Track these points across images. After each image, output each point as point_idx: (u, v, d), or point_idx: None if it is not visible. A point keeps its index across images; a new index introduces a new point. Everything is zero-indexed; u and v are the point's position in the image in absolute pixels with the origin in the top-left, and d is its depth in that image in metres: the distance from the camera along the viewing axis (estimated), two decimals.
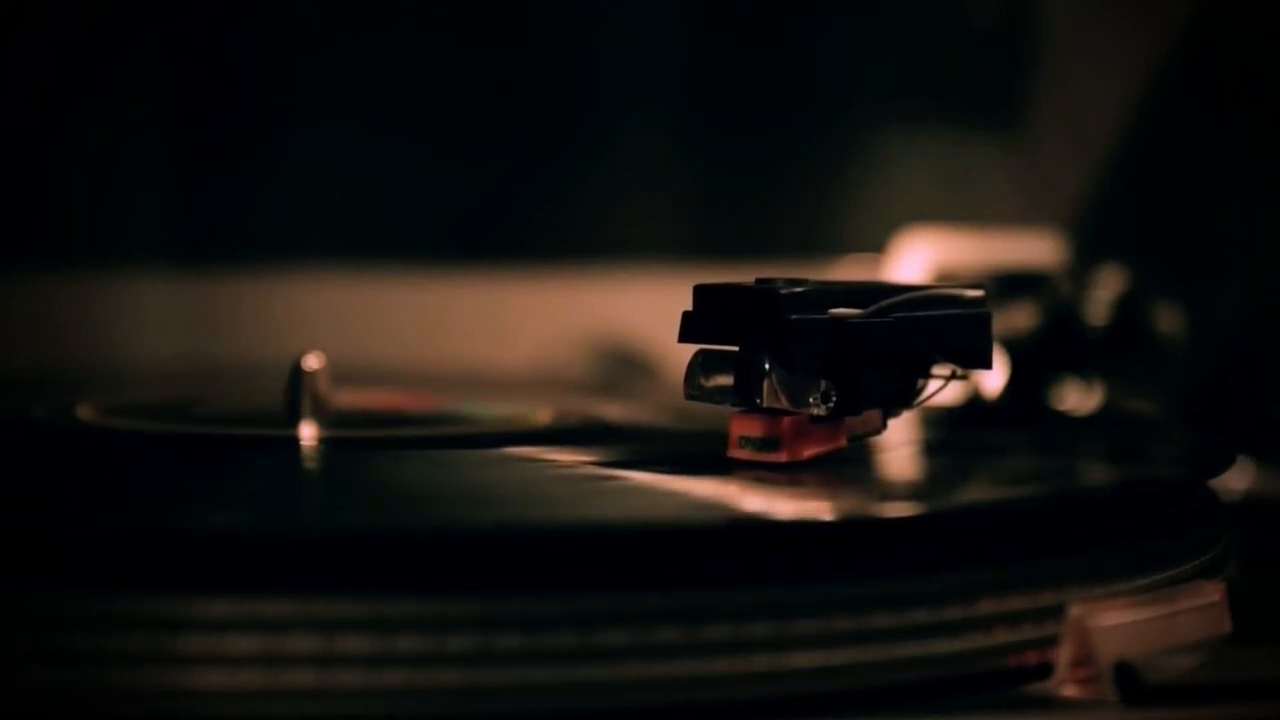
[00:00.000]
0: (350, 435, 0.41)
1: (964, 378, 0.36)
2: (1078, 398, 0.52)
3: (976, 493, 0.36)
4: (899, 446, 0.39)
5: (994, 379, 0.51)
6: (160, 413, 0.46)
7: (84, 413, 0.44)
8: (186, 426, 0.44)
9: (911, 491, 0.36)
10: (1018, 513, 0.32)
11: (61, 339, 0.68)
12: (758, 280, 0.35)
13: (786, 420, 0.34)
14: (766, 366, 0.34)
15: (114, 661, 0.27)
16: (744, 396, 0.34)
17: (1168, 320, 0.53)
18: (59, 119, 0.69)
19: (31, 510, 0.31)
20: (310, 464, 0.38)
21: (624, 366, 0.66)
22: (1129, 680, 0.29)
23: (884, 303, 0.34)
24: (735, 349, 0.35)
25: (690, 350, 0.35)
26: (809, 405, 0.34)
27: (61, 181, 0.69)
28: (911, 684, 0.29)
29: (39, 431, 0.43)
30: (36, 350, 0.67)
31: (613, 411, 0.47)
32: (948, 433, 0.45)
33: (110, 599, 0.27)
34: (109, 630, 0.27)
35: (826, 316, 0.34)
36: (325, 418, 0.41)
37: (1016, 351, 0.51)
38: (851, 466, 0.36)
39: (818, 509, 0.32)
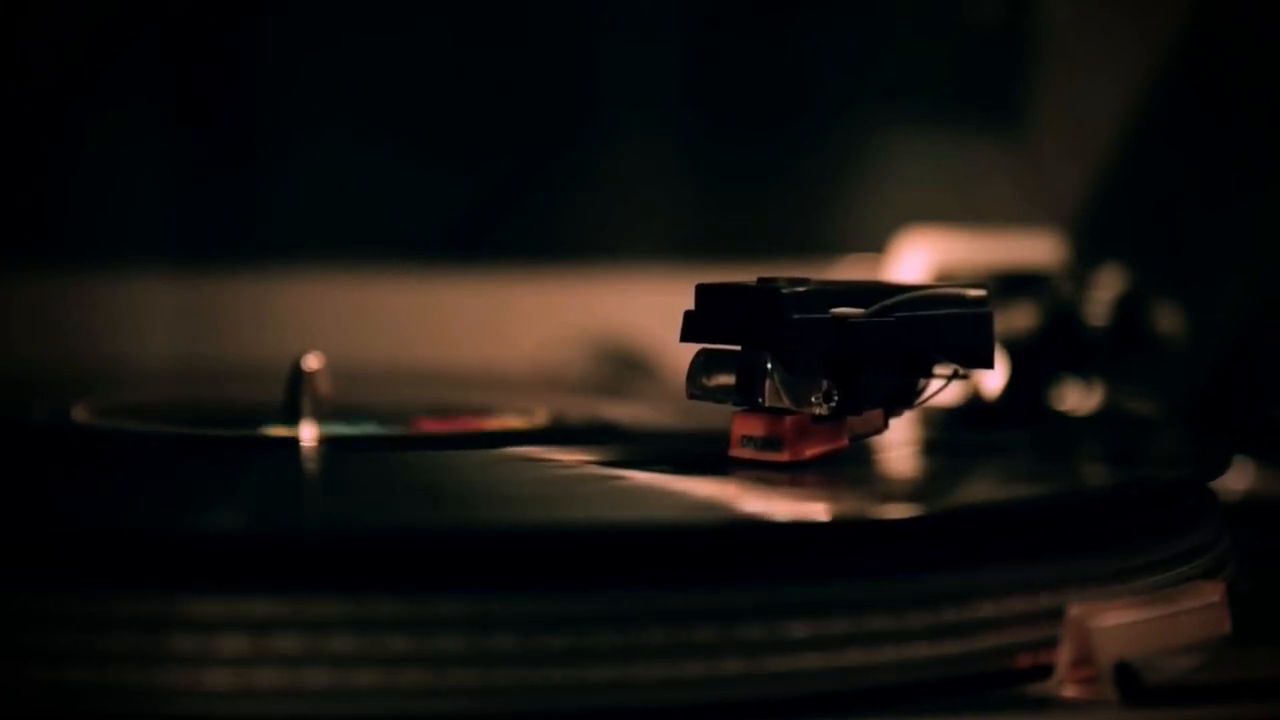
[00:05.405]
0: (350, 435, 0.41)
1: (965, 377, 0.36)
2: (1078, 398, 0.52)
3: (976, 493, 0.36)
4: (900, 446, 0.39)
5: (994, 379, 0.51)
6: (160, 413, 0.46)
7: (83, 413, 0.44)
8: (186, 427, 0.44)
9: (912, 492, 0.36)
10: (1018, 513, 0.32)
11: (61, 339, 0.68)
12: (760, 280, 0.35)
13: (788, 420, 0.34)
14: (769, 366, 0.34)
15: (114, 662, 0.27)
16: (746, 396, 0.34)
17: (1168, 320, 0.53)
18: (59, 119, 0.69)
19: (31, 511, 0.31)
20: (310, 464, 0.38)
21: (624, 366, 0.66)
22: (1129, 681, 0.29)
23: (886, 302, 0.34)
24: (737, 348, 0.35)
25: (691, 350, 0.35)
26: (811, 405, 0.34)
27: (61, 181, 0.69)
28: (911, 685, 0.29)
29: (39, 431, 0.43)
30: (36, 350, 0.67)
31: (613, 411, 0.47)
32: (948, 433, 0.45)
33: (110, 599, 0.27)
34: (109, 630, 0.27)
35: (828, 316, 0.34)
36: (325, 417, 0.41)
37: (1016, 351, 0.51)
38: (853, 466, 0.36)
39: (818, 509, 0.32)
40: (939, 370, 0.36)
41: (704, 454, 0.36)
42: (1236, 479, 0.46)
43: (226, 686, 0.27)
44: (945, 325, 0.35)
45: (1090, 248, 0.60)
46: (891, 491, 0.36)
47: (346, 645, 0.27)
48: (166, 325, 0.68)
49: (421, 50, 0.72)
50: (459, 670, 0.27)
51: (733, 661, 0.28)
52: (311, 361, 0.42)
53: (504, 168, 0.73)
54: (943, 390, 0.36)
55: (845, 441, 0.35)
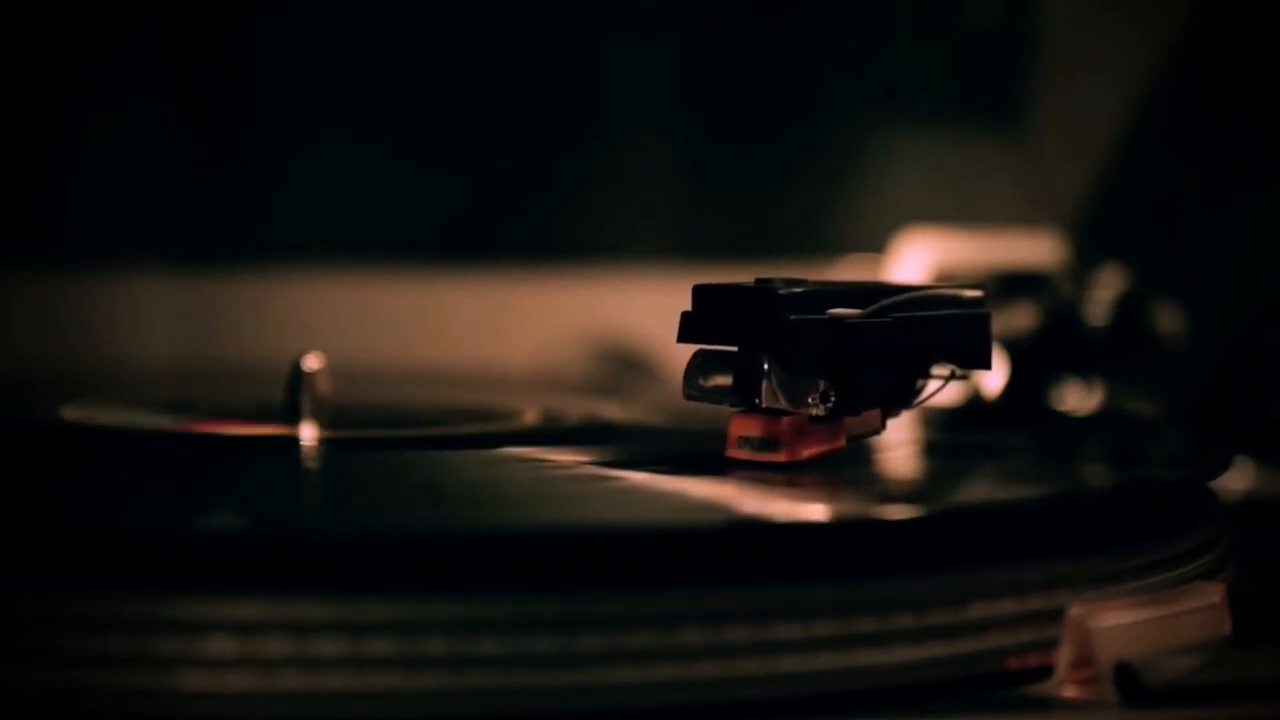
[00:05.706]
0: (350, 435, 0.41)
1: (963, 378, 0.36)
2: (1078, 398, 0.52)
3: (976, 493, 0.36)
4: (898, 447, 0.39)
5: (994, 379, 0.51)
6: (159, 413, 0.46)
7: (82, 413, 0.44)
8: (185, 426, 0.44)
9: (911, 492, 0.36)
10: (1018, 514, 0.32)
11: (61, 339, 0.68)
12: (757, 280, 0.35)
13: (785, 420, 0.34)
14: (765, 367, 0.34)
15: (114, 662, 0.27)
16: (743, 397, 0.34)
17: (1168, 320, 0.53)
18: (59, 119, 0.69)
19: (31, 511, 0.31)
20: (310, 464, 0.38)
21: (624, 366, 0.66)
22: (1129, 681, 0.29)
23: (883, 303, 0.34)
24: (734, 349, 0.34)
25: (689, 350, 0.35)
26: (808, 405, 0.34)
27: (61, 181, 0.69)
28: (911, 685, 0.29)
29: (38, 431, 0.43)
30: (36, 350, 0.67)
31: (613, 411, 0.47)
32: (947, 433, 0.45)
33: (110, 599, 0.27)
34: (109, 630, 0.27)
35: (825, 317, 0.34)
36: (325, 417, 0.41)
37: (1016, 351, 0.51)
38: (850, 467, 0.36)
39: (816, 510, 0.32)
40: (937, 371, 0.36)
41: (702, 454, 0.36)
42: (1236, 479, 0.46)
43: (237, 688, 0.27)
44: (943, 326, 0.35)
45: (1090, 248, 0.60)
46: (890, 492, 0.36)
47: (339, 647, 0.27)
48: (166, 325, 0.68)
49: (421, 50, 0.72)
50: (483, 672, 0.27)
51: (731, 662, 0.28)
52: (311, 361, 0.42)
53: (504, 168, 0.73)
54: (940, 391, 0.36)
55: (843, 442, 0.35)
